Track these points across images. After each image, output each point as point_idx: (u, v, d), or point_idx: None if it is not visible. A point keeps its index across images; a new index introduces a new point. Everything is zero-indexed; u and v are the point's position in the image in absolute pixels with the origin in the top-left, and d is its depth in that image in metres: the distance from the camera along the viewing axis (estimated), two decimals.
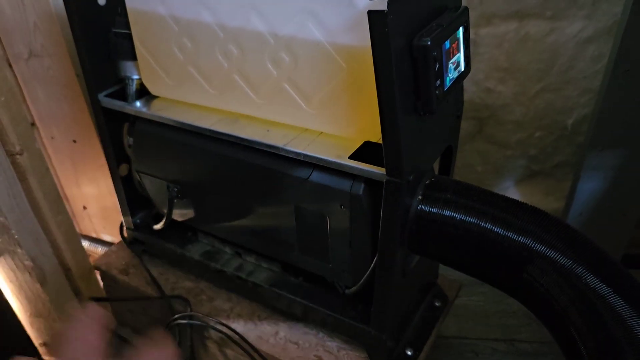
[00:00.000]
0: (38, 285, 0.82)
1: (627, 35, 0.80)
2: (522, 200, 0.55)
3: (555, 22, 0.94)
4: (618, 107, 0.87)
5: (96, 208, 1.13)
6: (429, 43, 0.47)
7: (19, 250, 0.78)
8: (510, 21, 0.95)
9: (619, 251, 1.05)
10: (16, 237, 0.76)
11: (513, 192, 1.17)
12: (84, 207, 1.14)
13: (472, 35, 0.95)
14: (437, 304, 0.83)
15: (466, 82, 0.60)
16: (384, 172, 0.54)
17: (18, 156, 0.77)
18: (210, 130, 0.67)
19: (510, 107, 1.05)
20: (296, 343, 0.77)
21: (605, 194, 0.98)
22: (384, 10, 0.43)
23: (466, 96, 1.02)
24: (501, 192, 1.15)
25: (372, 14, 0.44)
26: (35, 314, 0.87)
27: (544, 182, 1.15)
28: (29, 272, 0.81)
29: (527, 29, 0.95)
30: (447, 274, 0.84)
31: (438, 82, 0.51)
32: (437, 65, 0.50)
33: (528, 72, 1.00)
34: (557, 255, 0.52)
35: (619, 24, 0.82)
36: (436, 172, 0.72)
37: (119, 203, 0.88)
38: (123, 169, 0.84)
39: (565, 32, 0.94)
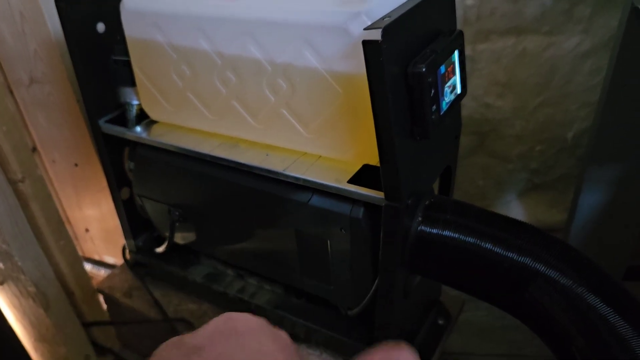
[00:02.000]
0: (42, 311, 0.83)
1: (624, 48, 0.80)
2: (526, 214, 0.55)
3: (553, 37, 0.94)
4: (617, 120, 0.87)
5: (98, 230, 1.14)
6: (423, 70, 0.48)
7: (22, 276, 0.78)
8: (507, 37, 0.95)
9: (623, 263, 1.04)
10: (19, 264, 0.76)
11: (516, 206, 1.16)
12: (86, 230, 1.15)
13: (470, 52, 0.96)
14: (440, 322, 0.83)
15: (465, 98, 0.60)
16: (383, 197, 0.54)
17: (20, 183, 0.77)
18: (210, 156, 0.67)
19: (510, 122, 1.05)
20: None
21: (607, 206, 0.97)
22: (378, 40, 0.43)
23: (466, 111, 1.02)
24: (503, 206, 1.16)
25: (366, 44, 0.44)
26: (39, 338, 0.87)
27: (547, 195, 1.15)
28: (33, 298, 0.81)
29: (525, 44, 0.95)
30: (450, 290, 0.84)
31: (434, 107, 0.51)
32: (433, 91, 0.50)
33: (527, 87, 1.00)
34: (558, 275, 0.52)
35: (615, 37, 0.82)
36: (436, 192, 0.73)
37: (121, 226, 0.89)
38: (124, 193, 0.85)
39: (563, 46, 0.94)
